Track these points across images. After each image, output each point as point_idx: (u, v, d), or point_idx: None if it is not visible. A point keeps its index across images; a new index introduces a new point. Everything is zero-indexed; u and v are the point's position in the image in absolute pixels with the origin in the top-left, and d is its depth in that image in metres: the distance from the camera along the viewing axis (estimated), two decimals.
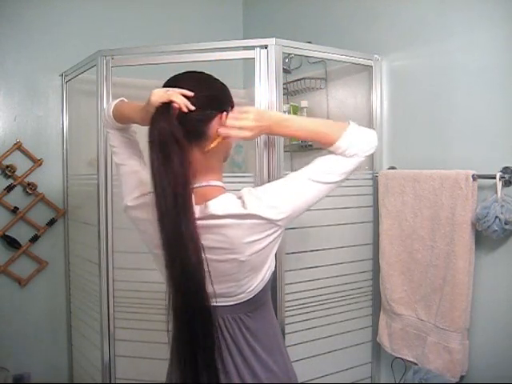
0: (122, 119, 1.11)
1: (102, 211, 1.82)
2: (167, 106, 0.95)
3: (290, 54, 2.13)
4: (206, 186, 1.03)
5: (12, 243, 2.21)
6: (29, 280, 2.27)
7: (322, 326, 1.81)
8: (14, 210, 2.21)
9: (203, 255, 0.93)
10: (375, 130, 1.95)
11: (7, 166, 2.17)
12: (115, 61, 1.81)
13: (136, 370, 1.83)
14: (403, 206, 1.76)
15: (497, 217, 1.43)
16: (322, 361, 1.83)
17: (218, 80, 1.11)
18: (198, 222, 0.93)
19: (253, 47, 1.65)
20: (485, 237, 1.54)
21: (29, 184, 2.23)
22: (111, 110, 1.12)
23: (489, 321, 1.59)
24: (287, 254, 1.68)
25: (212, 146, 1.01)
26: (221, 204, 0.98)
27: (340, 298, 1.85)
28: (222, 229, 0.97)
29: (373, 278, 1.95)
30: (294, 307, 1.74)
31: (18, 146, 2.21)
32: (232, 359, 1.04)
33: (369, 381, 1.97)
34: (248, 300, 1.06)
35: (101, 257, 1.82)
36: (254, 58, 1.65)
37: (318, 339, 1.80)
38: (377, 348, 1.95)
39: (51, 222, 2.31)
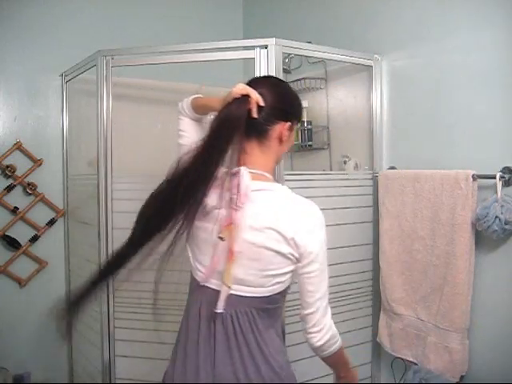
0: (202, 109, 1.23)
1: (101, 211, 1.82)
2: (244, 97, 1.08)
3: (290, 54, 2.13)
4: (261, 174, 1.11)
5: (12, 243, 2.20)
6: (29, 280, 2.27)
7: None
8: (14, 210, 2.21)
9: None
10: (375, 130, 1.96)
11: (7, 166, 2.17)
12: (115, 61, 1.81)
13: (136, 370, 1.83)
14: (403, 206, 1.76)
15: (497, 217, 1.43)
16: (322, 361, 1.82)
17: (294, 93, 1.23)
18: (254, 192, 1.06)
19: (253, 47, 1.65)
20: (485, 237, 1.54)
21: (29, 184, 2.23)
22: (190, 102, 1.24)
23: (489, 321, 1.59)
24: None
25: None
26: (274, 186, 1.10)
27: (340, 298, 1.85)
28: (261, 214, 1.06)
29: (373, 278, 1.95)
30: (294, 307, 1.73)
31: (18, 146, 2.21)
32: (239, 350, 1.07)
33: (369, 381, 1.97)
34: (263, 297, 1.09)
35: (101, 257, 1.82)
36: (254, 58, 1.65)
37: None
38: (377, 348, 1.95)
39: (51, 222, 2.31)
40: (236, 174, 1.06)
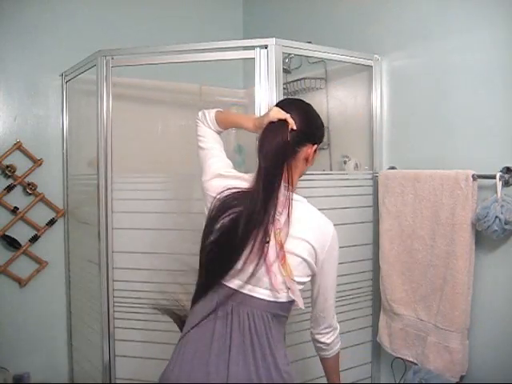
0: (226, 124, 1.33)
1: (101, 211, 1.82)
2: (282, 122, 1.16)
3: (289, 54, 2.13)
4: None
5: (12, 243, 2.20)
6: (29, 280, 2.27)
7: None
8: (14, 210, 2.21)
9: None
10: (375, 129, 1.96)
11: (7, 166, 2.17)
12: (115, 61, 1.81)
13: (136, 370, 1.83)
14: (403, 206, 1.76)
15: (497, 217, 1.43)
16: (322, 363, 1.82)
17: (318, 116, 1.29)
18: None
19: (253, 47, 1.65)
20: (485, 237, 1.54)
21: (29, 184, 2.23)
22: (214, 116, 1.32)
23: (489, 321, 1.59)
24: None
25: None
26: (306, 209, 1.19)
27: (340, 298, 1.85)
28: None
29: (373, 278, 1.95)
30: (294, 307, 1.74)
31: (18, 146, 2.21)
32: (253, 351, 1.09)
33: (369, 381, 1.97)
34: (278, 303, 1.14)
35: (101, 257, 1.82)
36: (254, 58, 1.65)
37: None
38: (377, 348, 1.95)
39: (51, 222, 2.31)
40: None
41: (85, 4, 2.38)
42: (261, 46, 1.64)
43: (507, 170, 1.49)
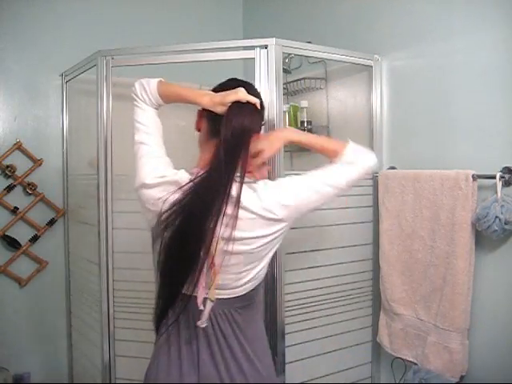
0: (171, 98, 1.17)
1: (101, 211, 1.82)
2: (252, 106, 1.10)
3: (290, 54, 2.13)
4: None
5: (12, 243, 2.20)
6: (29, 280, 2.27)
7: (322, 326, 1.81)
8: (14, 210, 2.21)
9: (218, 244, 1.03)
10: (375, 130, 1.96)
11: (7, 166, 2.17)
12: (115, 61, 1.81)
13: (136, 370, 1.83)
14: (403, 206, 1.76)
15: (497, 217, 1.43)
16: (322, 361, 1.83)
17: None
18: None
19: (253, 47, 1.65)
20: (485, 237, 1.54)
21: (29, 184, 2.23)
22: (156, 88, 1.16)
23: (489, 321, 1.59)
24: (287, 253, 1.69)
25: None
26: (244, 193, 1.07)
27: (340, 298, 1.85)
28: (241, 220, 1.04)
29: (373, 278, 1.95)
30: (294, 307, 1.74)
31: (18, 146, 2.21)
32: (221, 353, 1.09)
33: (369, 381, 1.97)
34: (240, 296, 1.12)
35: (101, 257, 1.82)
36: (254, 58, 1.65)
37: (318, 339, 1.80)
38: (377, 348, 1.95)
39: (51, 222, 2.31)
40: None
41: (85, 4, 2.38)
42: (261, 46, 1.64)
43: (507, 170, 1.49)
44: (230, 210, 1.03)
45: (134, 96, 1.18)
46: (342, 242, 1.85)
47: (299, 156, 2.33)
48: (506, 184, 1.49)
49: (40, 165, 2.27)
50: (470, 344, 1.60)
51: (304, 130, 2.19)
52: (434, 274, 1.65)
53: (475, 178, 1.53)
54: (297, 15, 2.45)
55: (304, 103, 2.20)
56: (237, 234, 1.04)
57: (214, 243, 1.01)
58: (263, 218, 1.06)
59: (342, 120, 2.15)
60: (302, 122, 2.21)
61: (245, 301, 1.13)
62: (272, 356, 1.26)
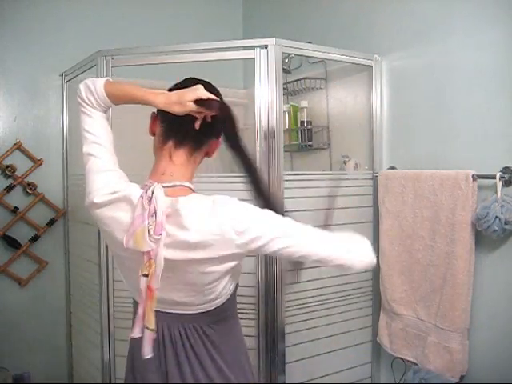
0: (122, 98, 1.03)
1: None
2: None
3: (289, 54, 2.13)
4: (180, 185, 1.02)
5: (12, 243, 2.21)
6: (29, 280, 2.27)
7: (321, 325, 1.81)
8: (14, 210, 2.21)
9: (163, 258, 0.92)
10: (375, 130, 1.96)
11: (7, 166, 2.17)
12: (115, 61, 1.81)
13: None
14: (403, 206, 1.76)
15: (497, 217, 1.43)
16: (322, 361, 1.83)
17: None
18: (167, 219, 0.93)
19: (253, 47, 1.65)
20: (485, 237, 1.54)
21: (29, 184, 2.23)
22: (102, 88, 1.02)
23: (489, 321, 1.59)
24: None
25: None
26: (193, 207, 0.94)
27: (340, 298, 1.85)
28: (185, 242, 0.93)
29: (373, 278, 1.95)
30: (294, 307, 1.74)
31: (18, 146, 2.21)
32: (191, 369, 1.02)
33: (369, 381, 1.97)
34: (211, 311, 1.03)
35: (101, 257, 1.82)
36: (254, 58, 1.65)
37: (318, 339, 1.80)
38: (377, 348, 1.95)
39: (51, 222, 2.31)
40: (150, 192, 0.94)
41: (85, 4, 2.38)
42: (261, 46, 1.64)
43: (507, 170, 1.49)
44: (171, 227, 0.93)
45: (80, 100, 1.05)
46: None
47: (299, 156, 2.33)
48: (506, 184, 1.49)
49: (40, 165, 2.27)
50: (470, 344, 1.60)
51: (304, 130, 2.20)
52: (434, 274, 1.65)
53: (475, 178, 1.53)
54: (297, 15, 2.45)
55: (304, 103, 2.20)
56: (184, 254, 0.94)
57: (146, 265, 0.92)
58: (214, 239, 0.92)
59: (342, 120, 2.15)
60: (302, 122, 2.21)
61: (216, 315, 1.04)
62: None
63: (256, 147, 1.63)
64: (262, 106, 1.64)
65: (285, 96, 2.20)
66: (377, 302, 1.93)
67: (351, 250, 0.99)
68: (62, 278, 2.36)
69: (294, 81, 2.24)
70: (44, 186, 2.28)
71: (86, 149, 1.03)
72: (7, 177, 2.20)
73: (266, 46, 1.64)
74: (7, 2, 2.20)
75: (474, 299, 1.58)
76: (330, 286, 1.82)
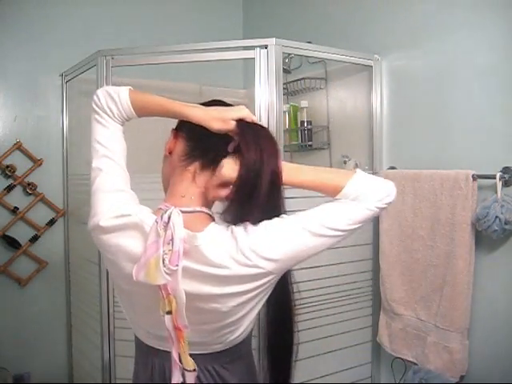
0: (151, 109, 0.95)
1: None
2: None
3: (289, 54, 2.13)
4: (198, 211, 0.91)
5: (12, 243, 2.20)
6: (29, 280, 2.26)
7: (321, 325, 1.81)
8: (14, 210, 2.21)
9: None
10: (375, 130, 1.96)
11: (7, 166, 2.17)
12: (115, 61, 1.81)
13: None
14: (403, 206, 1.76)
15: (497, 217, 1.43)
16: (322, 361, 1.83)
17: None
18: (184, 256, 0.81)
19: (253, 47, 1.65)
20: (485, 237, 1.54)
21: (29, 184, 2.23)
22: (127, 98, 0.93)
23: (489, 321, 1.59)
24: None
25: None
26: (214, 243, 0.84)
27: (340, 298, 1.85)
28: (206, 275, 0.84)
29: (373, 278, 1.95)
30: (294, 307, 1.74)
31: (18, 146, 2.21)
32: None
33: (369, 381, 1.97)
34: (224, 350, 0.94)
35: (101, 257, 1.82)
36: (253, 58, 1.65)
37: (318, 339, 1.80)
38: (377, 348, 1.95)
39: (51, 222, 2.31)
40: (167, 217, 0.82)
41: (85, 4, 2.38)
42: (261, 46, 1.64)
43: (507, 170, 1.49)
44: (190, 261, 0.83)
45: (97, 108, 0.94)
46: (341, 241, 1.84)
47: (299, 156, 2.33)
48: (506, 184, 1.49)
49: (40, 165, 2.27)
50: (470, 344, 1.60)
51: (304, 130, 2.20)
52: (434, 274, 1.65)
53: (475, 177, 1.53)
54: (297, 15, 2.45)
55: (304, 103, 2.20)
56: (203, 289, 0.84)
57: (166, 302, 0.82)
58: (242, 273, 0.83)
59: (342, 120, 2.15)
60: (302, 122, 2.21)
61: (232, 354, 0.95)
62: None
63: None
64: (262, 106, 1.64)
65: (285, 96, 2.20)
66: (377, 302, 1.93)
67: (359, 196, 0.92)
68: (62, 277, 2.35)
69: (293, 81, 2.24)
70: (44, 185, 2.28)
71: (95, 163, 0.92)
72: (7, 177, 2.20)
73: (266, 46, 1.64)
74: (7, 1, 2.20)
75: (473, 299, 1.58)
76: (329, 286, 1.82)
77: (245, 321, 0.91)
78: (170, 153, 0.97)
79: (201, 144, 0.93)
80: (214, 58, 1.72)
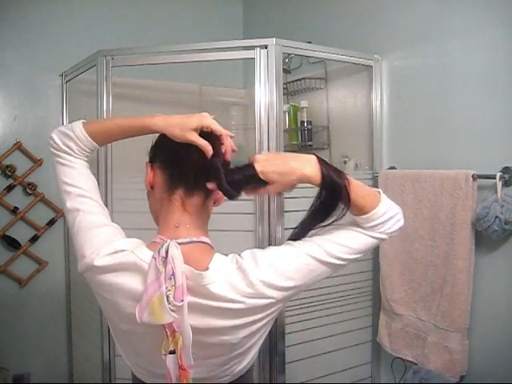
0: (111, 133, 0.92)
1: None
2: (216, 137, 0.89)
3: (290, 54, 2.13)
4: (196, 242, 0.87)
5: (12, 243, 2.20)
6: (29, 280, 2.26)
7: (321, 326, 1.81)
8: (14, 210, 2.21)
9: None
10: (375, 130, 1.96)
11: (7, 166, 2.17)
12: (115, 61, 1.81)
13: None
14: (403, 206, 1.73)
15: (497, 217, 1.43)
16: (321, 361, 1.83)
17: None
18: (189, 292, 0.79)
19: (253, 47, 1.65)
20: (485, 237, 1.54)
21: (29, 184, 2.23)
22: (82, 130, 0.91)
23: (489, 321, 1.59)
24: None
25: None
26: (222, 281, 0.81)
27: (340, 298, 1.85)
28: (216, 309, 0.81)
29: (373, 278, 1.95)
30: (294, 307, 1.74)
31: (18, 146, 2.21)
32: None
33: (369, 381, 1.97)
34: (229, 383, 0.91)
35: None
36: (253, 58, 1.65)
37: (318, 339, 1.80)
38: (377, 348, 1.95)
39: (51, 222, 2.31)
40: (165, 252, 0.79)
41: (84, 4, 2.38)
42: (261, 46, 1.64)
43: (507, 170, 1.49)
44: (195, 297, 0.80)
45: (55, 151, 0.91)
46: None
47: None
48: (506, 184, 1.49)
49: (40, 165, 2.27)
50: (470, 344, 1.60)
51: (304, 130, 2.20)
52: (434, 274, 1.65)
53: (475, 177, 1.53)
54: (297, 15, 2.45)
55: (304, 103, 2.20)
56: (212, 323, 0.82)
57: (170, 340, 0.78)
58: (253, 305, 0.82)
59: (342, 120, 2.15)
60: (302, 122, 2.21)
61: None
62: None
63: (256, 147, 1.63)
64: (262, 106, 1.64)
65: (285, 96, 2.20)
66: (377, 302, 1.93)
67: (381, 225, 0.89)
68: (62, 278, 2.35)
69: (293, 81, 2.24)
70: (44, 186, 2.28)
71: (70, 204, 0.88)
72: (7, 177, 2.20)
73: (266, 46, 1.64)
74: (7, 1, 2.20)
75: (473, 299, 1.58)
76: (330, 286, 1.82)
77: (252, 351, 0.90)
78: (152, 187, 0.92)
79: (178, 169, 0.88)
80: (213, 58, 1.73)
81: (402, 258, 1.78)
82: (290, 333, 1.71)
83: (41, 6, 2.27)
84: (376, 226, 0.88)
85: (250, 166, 0.84)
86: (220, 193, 0.88)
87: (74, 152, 0.91)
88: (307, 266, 0.84)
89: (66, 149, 0.91)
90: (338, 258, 0.87)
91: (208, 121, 0.86)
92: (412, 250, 1.74)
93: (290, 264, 0.84)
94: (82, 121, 0.93)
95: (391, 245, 1.81)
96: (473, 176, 1.53)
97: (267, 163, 0.84)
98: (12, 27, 2.21)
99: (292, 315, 1.73)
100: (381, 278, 1.85)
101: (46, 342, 2.33)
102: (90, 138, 0.91)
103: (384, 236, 0.90)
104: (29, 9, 2.24)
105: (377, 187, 1.87)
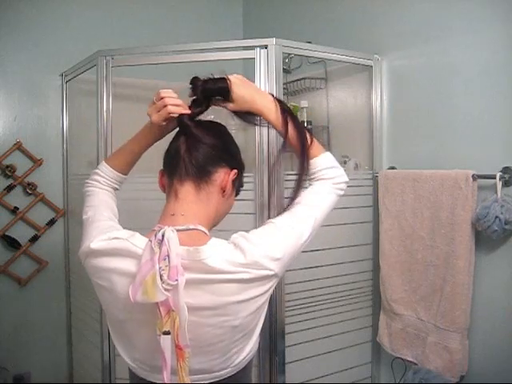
0: (128, 156, 1.09)
1: None
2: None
3: (289, 54, 2.13)
4: (194, 229, 0.89)
5: (12, 243, 2.21)
6: (29, 280, 2.27)
7: (321, 325, 1.81)
8: (14, 210, 2.21)
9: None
10: (375, 130, 1.96)
11: (7, 166, 2.17)
12: (115, 61, 1.81)
13: None
14: (403, 206, 1.76)
15: (497, 217, 1.43)
16: (321, 361, 1.83)
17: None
18: (187, 276, 0.79)
19: (253, 47, 1.65)
20: (485, 237, 1.54)
21: (29, 184, 2.23)
22: (106, 165, 1.06)
23: (489, 321, 1.59)
24: None
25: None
26: (217, 252, 0.82)
27: (340, 298, 1.85)
28: (214, 283, 0.81)
29: (373, 278, 1.95)
30: (294, 307, 1.74)
31: (18, 146, 2.21)
32: None
33: (369, 381, 1.97)
34: (229, 377, 0.90)
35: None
36: (253, 58, 1.65)
37: (318, 339, 1.81)
38: (377, 348, 1.95)
39: (51, 222, 2.31)
40: (161, 237, 0.80)
41: (85, 4, 2.38)
42: (261, 46, 1.64)
43: (507, 170, 1.49)
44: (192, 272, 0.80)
45: (85, 188, 1.07)
46: (342, 241, 1.85)
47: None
48: (506, 184, 1.49)
49: (40, 165, 2.27)
50: (470, 344, 1.60)
51: None
52: (434, 274, 1.65)
53: (475, 177, 1.53)
54: (297, 15, 2.45)
55: (304, 103, 2.20)
56: (209, 299, 0.81)
57: (165, 320, 0.78)
58: (252, 276, 0.83)
59: (342, 120, 2.15)
60: (302, 122, 2.21)
61: (230, 381, 0.91)
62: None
63: (256, 147, 1.63)
64: None
65: (285, 96, 2.20)
66: (377, 302, 1.93)
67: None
68: (61, 278, 2.36)
69: (293, 81, 2.24)
70: (44, 185, 2.28)
71: (85, 217, 0.97)
72: (7, 177, 2.20)
73: (266, 46, 1.64)
74: (7, 1, 2.20)
75: (474, 299, 1.58)
76: (329, 286, 1.82)
77: (251, 338, 0.91)
78: (164, 189, 1.00)
79: (168, 160, 0.97)
80: (214, 58, 1.72)
81: (402, 258, 1.78)
82: (289, 333, 1.71)
83: (41, 6, 2.27)
84: (320, 171, 1.03)
85: (224, 80, 1.01)
86: (224, 179, 0.93)
87: (100, 183, 1.05)
88: (291, 229, 0.91)
89: (93, 182, 1.05)
90: (311, 207, 0.96)
91: (166, 93, 1.02)
92: (412, 250, 1.74)
93: (277, 235, 0.89)
94: (107, 158, 1.10)
95: (391, 245, 1.81)
96: (473, 176, 1.53)
97: (241, 87, 1.02)
98: (12, 27, 2.21)
99: (292, 315, 1.73)
100: (381, 278, 1.85)
101: (45, 341, 2.33)
102: (113, 170, 1.06)
103: (332, 186, 1.04)
104: (29, 9, 2.24)
105: (377, 187, 1.87)
